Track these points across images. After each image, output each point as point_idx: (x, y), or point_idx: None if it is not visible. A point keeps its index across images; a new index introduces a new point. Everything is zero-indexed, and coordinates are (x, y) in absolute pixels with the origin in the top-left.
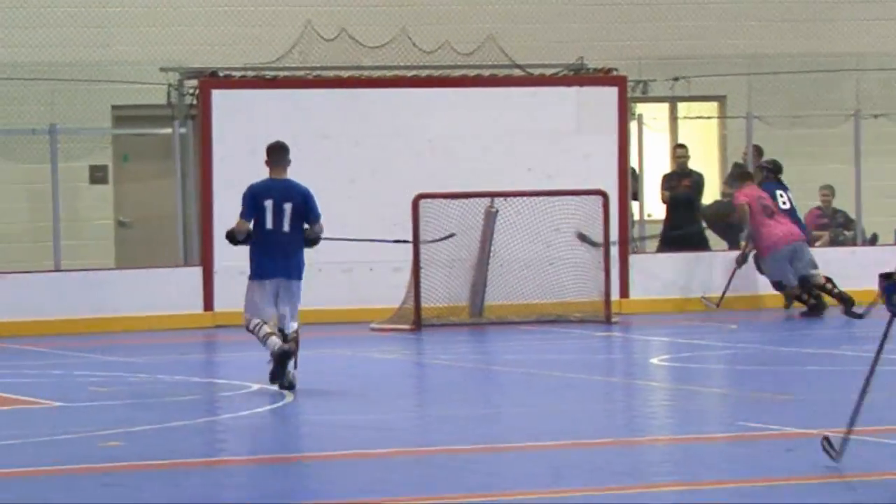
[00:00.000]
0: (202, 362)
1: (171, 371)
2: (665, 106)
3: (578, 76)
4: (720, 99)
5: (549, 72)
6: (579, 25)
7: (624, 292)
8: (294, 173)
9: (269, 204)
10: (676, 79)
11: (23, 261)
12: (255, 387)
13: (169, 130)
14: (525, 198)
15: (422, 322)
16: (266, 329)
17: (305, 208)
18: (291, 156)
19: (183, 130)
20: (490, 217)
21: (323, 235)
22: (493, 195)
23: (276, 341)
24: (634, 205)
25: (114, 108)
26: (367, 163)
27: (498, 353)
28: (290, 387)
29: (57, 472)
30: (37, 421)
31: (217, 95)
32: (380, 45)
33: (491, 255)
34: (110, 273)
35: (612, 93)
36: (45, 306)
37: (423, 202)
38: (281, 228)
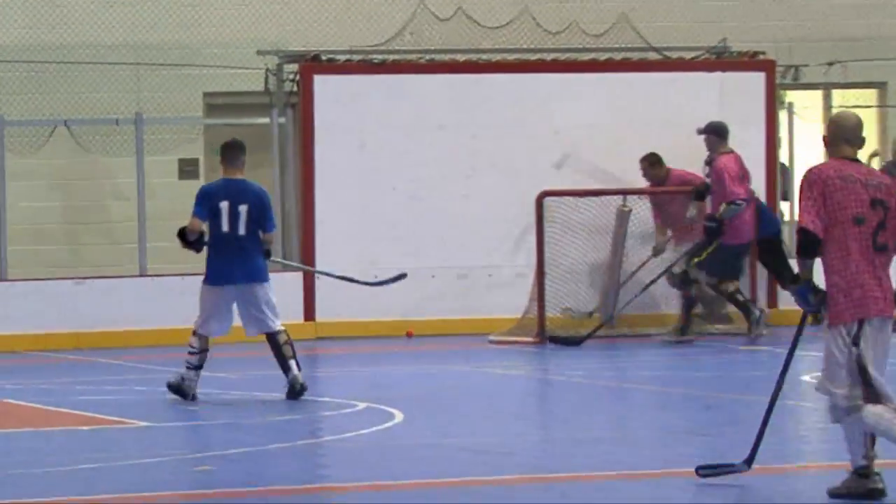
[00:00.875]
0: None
1: (269, 388)
2: (818, 94)
3: (721, 60)
4: (880, 86)
5: (688, 55)
6: (722, 3)
7: (772, 301)
8: (407, 167)
9: (224, 206)
10: (831, 63)
11: (104, 265)
12: (361, 405)
13: (266, 120)
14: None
15: (546, 334)
16: (195, 360)
17: (260, 213)
18: (404, 148)
19: (282, 120)
20: (622, 217)
21: (274, 259)
22: (625, 192)
23: (192, 379)
24: (784, 204)
25: (205, 95)
26: (485, 156)
27: (631, 369)
28: (304, 390)
29: (145, 499)
30: (122, 443)
31: (320, 81)
32: (500, 26)
33: (623, 259)
34: (201, 279)
35: (758, 79)
36: (130, 315)
37: (547, 200)
38: (237, 231)
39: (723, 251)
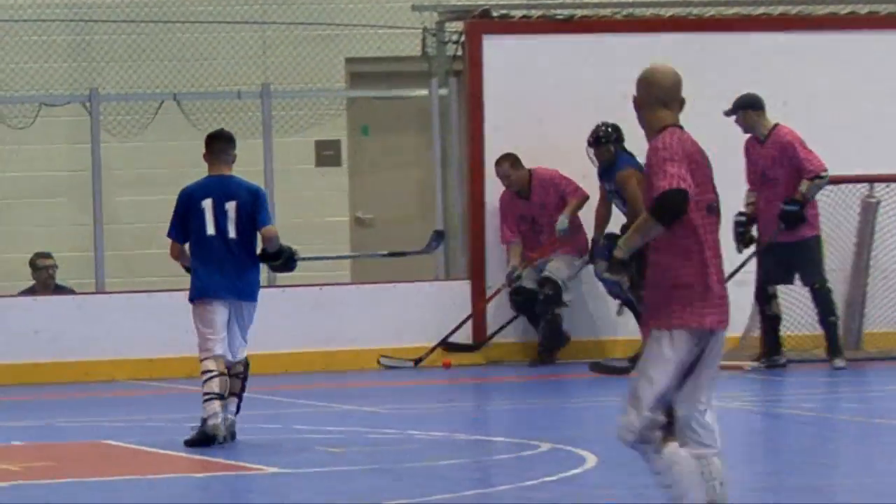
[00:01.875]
0: (470, 412)
1: (428, 425)
2: None
3: None
4: None
5: None
6: None
7: None
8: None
9: (207, 204)
10: None
11: None
12: (544, 446)
13: (425, 92)
14: None
15: (773, 356)
16: (215, 386)
17: (254, 210)
18: (592, 123)
19: (443, 91)
20: (869, 210)
21: (303, 256)
22: (872, 180)
23: (216, 413)
24: None
25: (348, 62)
26: (700, 134)
27: (882, 401)
28: (233, 437)
29: None
30: (244, 494)
31: (490, 43)
32: None
33: (871, 262)
34: (344, 290)
35: None
36: (255, 334)
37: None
38: (225, 234)
39: (807, 246)
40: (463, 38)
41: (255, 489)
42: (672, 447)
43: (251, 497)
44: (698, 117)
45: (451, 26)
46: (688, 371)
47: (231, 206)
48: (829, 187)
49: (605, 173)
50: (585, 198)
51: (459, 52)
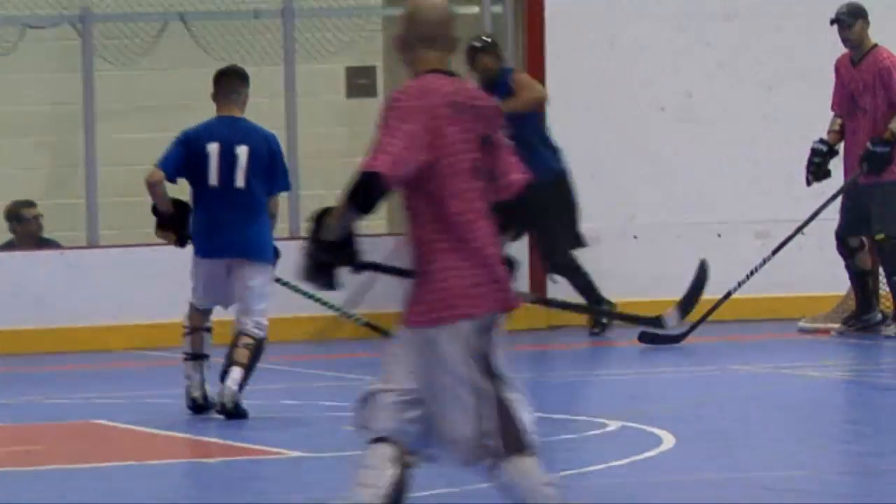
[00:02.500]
0: (528, 386)
1: None
2: None
3: None
4: None
5: None
6: None
7: None
8: (679, 77)
9: (213, 149)
10: None
11: None
12: (613, 425)
13: (476, 9)
14: None
15: (865, 315)
16: (186, 344)
17: (270, 162)
18: (673, 46)
19: (497, 9)
20: None
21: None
22: None
23: (187, 375)
24: None
25: None
26: (796, 59)
27: None
28: (233, 412)
29: None
30: (267, 480)
31: None
32: None
33: None
34: (380, 242)
35: None
36: (276, 295)
37: None
38: (232, 183)
39: (884, 191)
40: None
41: (272, 476)
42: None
43: (267, 486)
44: (786, 39)
45: None
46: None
47: (242, 152)
48: None
49: (488, 91)
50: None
51: None
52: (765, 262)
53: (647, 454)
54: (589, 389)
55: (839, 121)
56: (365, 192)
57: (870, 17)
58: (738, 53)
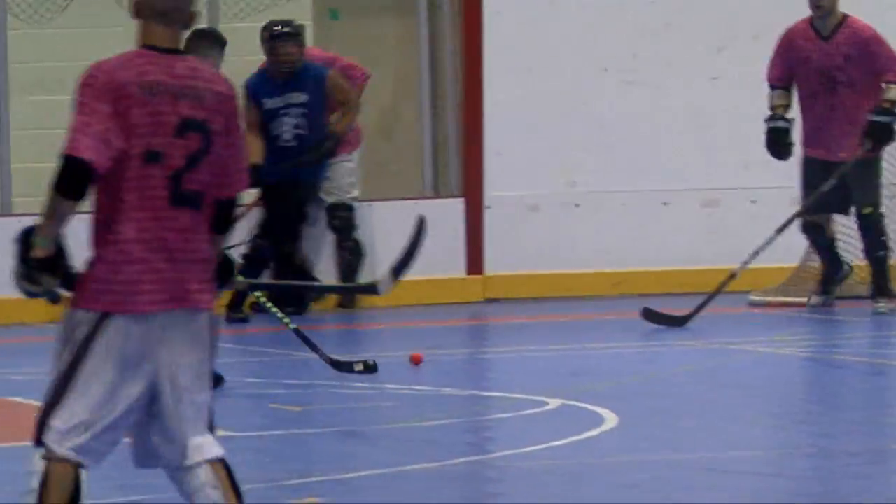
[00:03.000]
0: (462, 363)
1: (409, 378)
2: None
3: None
4: None
5: None
6: None
7: None
8: (623, 38)
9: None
10: None
11: None
12: (553, 403)
13: None
14: None
15: (833, 293)
16: None
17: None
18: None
19: None
20: None
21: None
22: None
23: None
24: None
25: None
26: (747, 18)
27: None
28: None
29: None
30: None
31: None
32: None
33: None
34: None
35: None
36: None
37: None
38: None
39: (866, 163)
40: None
41: None
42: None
43: None
44: None
45: None
46: None
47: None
48: None
49: (288, 84)
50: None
51: None
52: (769, 241)
53: (588, 434)
54: (528, 365)
55: (785, 93)
56: (70, 179)
57: None
58: (686, 12)
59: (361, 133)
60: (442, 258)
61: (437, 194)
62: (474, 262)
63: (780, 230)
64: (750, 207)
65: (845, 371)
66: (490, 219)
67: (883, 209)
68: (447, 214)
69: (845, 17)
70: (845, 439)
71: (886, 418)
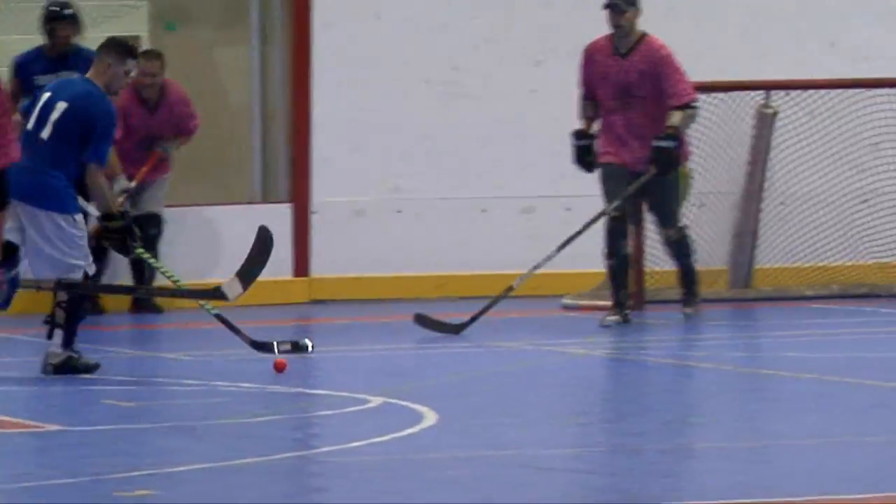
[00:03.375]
0: (288, 361)
1: (238, 375)
2: None
3: None
4: None
5: None
6: None
7: None
8: (445, 49)
9: (44, 98)
10: None
11: None
12: (375, 401)
13: None
14: (821, 91)
15: (646, 296)
16: None
17: (84, 122)
18: (441, 18)
19: None
20: (764, 122)
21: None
22: (768, 87)
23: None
24: None
25: None
26: (562, 35)
27: (774, 348)
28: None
29: None
30: (15, 455)
31: None
32: None
33: (765, 185)
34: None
35: None
36: None
37: None
38: (39, 132)
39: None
40: None
41: (25, 450)
42: None
43: (20, 459)
44: (554, 15)
45: None
46: None
47: (61, 108)
48: (720, 96)
49: (61, 63)
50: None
51: None
52: (549, 258)
53: (408, 431)
54: (351, 365)
55: (593, 104)
56: None
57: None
58: (506, 27)
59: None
60: (270, 261)
61: (266, 199)
62: (301, 264)
63: (561, 248)
64: (564, 215)
65: (655, 372)
66: (317, 223)
67: (685, 223)
68: (275, 219)
69: (644, 35)
70: (655, 438)
71: (694, 417)
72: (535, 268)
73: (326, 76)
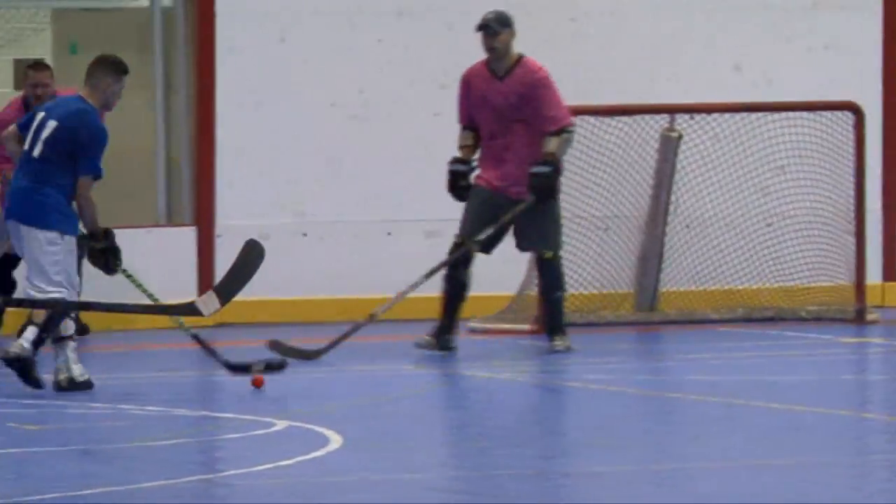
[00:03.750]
0: (195, 383)
1: (145, 398)
2: None
3: None
4: None
5: None
6: None
7: (890, 273)
8: (351, 73)
9: (39, 117)
10: None
11: None
12: (281, 424)
13: (144, 3)
14: (726, 115)
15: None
16: None
17: (73, 137)
18: (347, 43)
19: (167, 2)
20: (668, 146)
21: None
22: (673, 110)
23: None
24: None
25: None
26: (469, 54)
27: (680, 371)
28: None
29: None
30: None
31: None
32: None
33: (670, 209)
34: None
35: None
36: None
37: None
38: (32, 151)
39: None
40: None
41: None
42: None
43: None
44: (460, 35)
45: None
46: None
47: (51, 126)
48: (625, 119)
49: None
50: None
51: None
52: (415, 285)
53: (313, 454)
54: (255, 388)
55: (472, 134)
56: None
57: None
58: (411, 51)
59: None
60: (174, 284)
61: (170, 223)
62: (206, 288)
63: (429, 275)
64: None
65: (561, 395)
66: (221, 247)
67: (561, 251)
68: (179, 242)
69: (521, 57)
70: (561, 461)
71: (598, 440)
72: (402, 295)
73: (231, 99)
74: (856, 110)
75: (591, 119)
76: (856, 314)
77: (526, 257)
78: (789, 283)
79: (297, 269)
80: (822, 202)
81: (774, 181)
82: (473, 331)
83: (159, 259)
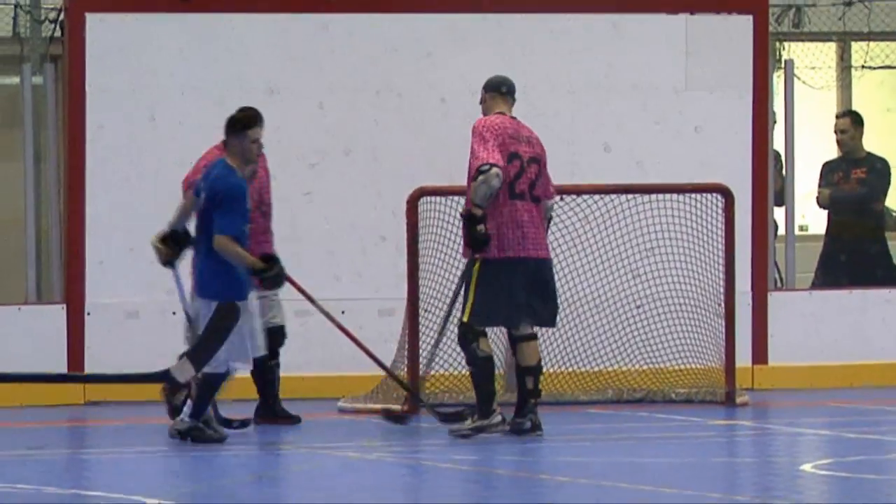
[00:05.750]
0: (64, 463)
1: (12, 477)
2: (831, 47)
3: None
4: None
5: None
6: None
7: (759, 355)
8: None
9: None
10: (849, 3)
11: None
12: (150, 502)
13: (16, 79)
14: (596, 196)
15: (423, 400)
16: None
17: (211, 202)
18: (215, 121)
19: (38, 80)
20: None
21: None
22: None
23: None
24: (779, 211)
25: None
26: (336, 135)
27: (549, 453)
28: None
29: None
30: None
31: (94, 23)
32: None
33: None
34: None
35: (744, 25)
36: None
37: (425, 201)
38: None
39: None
40: (62, 17)
41: None
42: None
43: None
44: (329, 115)
45: (49, 2)
46: None
47: (202, 199)
48: None
49: None
50: None
51: (58, 33)
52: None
53: None
54: (127, 466)
55: None
56: None
57: None
58: (281, 130)
59: None
60: (44, 362)
61: (40, 300)
62: (75, 366)
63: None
64: (341, 317)
65: (430, 475)
66: (91, 324)
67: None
68: (49, 320)
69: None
70: None
71: None
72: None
73: (101, 176)
74: (725, 192)
75: (460, 198)
76: (726, 396)
77: (396, 335)
78: (659, 365)
79: (165, 348)
80: (692, 284)
81: (644, 263)
82: (343, 410)
83: (28, 338)
